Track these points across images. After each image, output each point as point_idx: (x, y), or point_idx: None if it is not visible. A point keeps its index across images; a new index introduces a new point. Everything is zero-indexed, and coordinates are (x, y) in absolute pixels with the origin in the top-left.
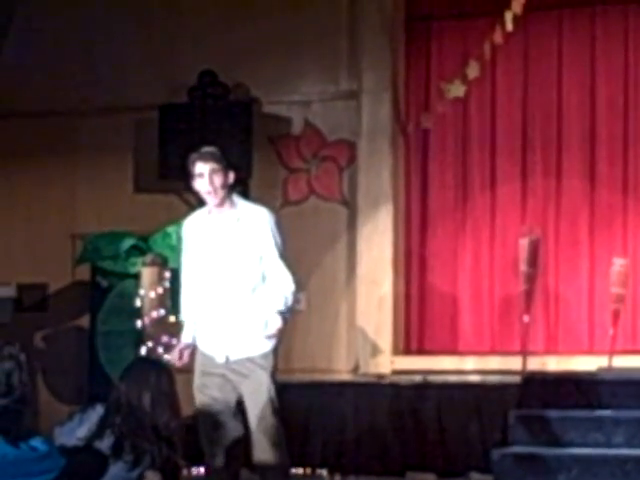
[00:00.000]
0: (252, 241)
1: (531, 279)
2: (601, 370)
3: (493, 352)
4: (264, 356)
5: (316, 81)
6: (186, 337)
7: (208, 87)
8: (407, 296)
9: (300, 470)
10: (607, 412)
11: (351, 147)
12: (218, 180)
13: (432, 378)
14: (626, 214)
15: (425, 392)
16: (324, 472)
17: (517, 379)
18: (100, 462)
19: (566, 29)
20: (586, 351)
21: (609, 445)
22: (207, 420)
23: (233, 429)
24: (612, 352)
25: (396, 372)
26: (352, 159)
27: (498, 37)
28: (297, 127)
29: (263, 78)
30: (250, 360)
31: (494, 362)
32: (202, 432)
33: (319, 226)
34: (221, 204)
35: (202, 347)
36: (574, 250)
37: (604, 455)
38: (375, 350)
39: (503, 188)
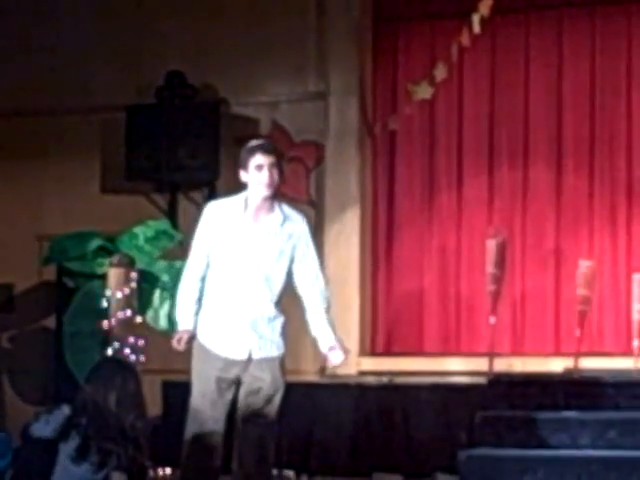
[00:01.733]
0: (290, 245)
1: (498, 280)
2: (567, 371)
3: (459, 353)
4: (282, 357)
5: (284, 82)
6: (187, 324)
7: (176, 88)
8: (374, 297)
9: None
10: (573, 413)
11: (318, 148)
12: (275, 175)
13: (399, 379)
14: (592, 216)
15: (392, 393)
16: (291, 473)
17: (483, 380)
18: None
19: (533, 31)
20: (552, 352)
21: (575, 446)
22: (201, 423)
23: (220, 433)
24: (578, 353)
25: (363, 373)
26: (319, 160)
27: (465, 39)
28: (265, 128)
29: (231, 79)
30: (270, 361)
31: (460, 363)
32: (190, 432)
33: None
34: (271, 201)
35: (214, 345)
36: (540, 252)
37: (570, 456)
38: None
39: (470, 190)
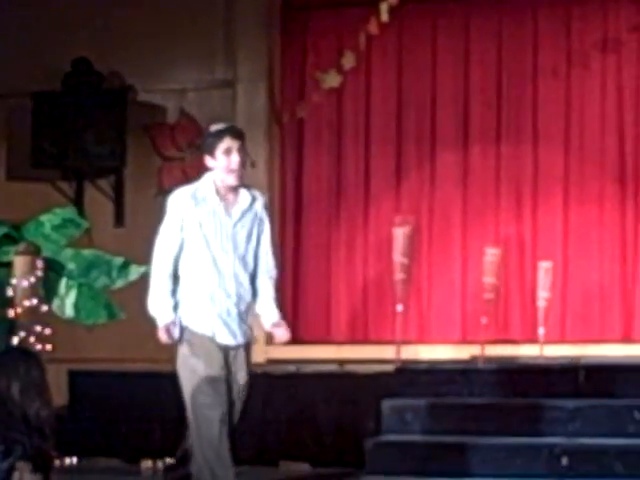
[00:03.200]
0: (256, 223)
1: (405, 269)
2: (474, 359)
3: (367, 341)
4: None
5: (192, 70)
6: (168, 316)
7: (82, 75)
8: (281, 286)
9: (174, 460)
10: (479, 400)
11: None
12: (243, 159)
13: (306, 367)
14: (498, 204)
15: (299, 381)
16: None
17: (391, 368)
18: None
19: (440, 20)
20: (459, 340)
21: (481, 433)
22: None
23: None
24: (484, 341)
25: (270, 361)
26: None
27: (373, 28)
28: (172, 116)
29: (138, 66)
30: (247, 348)
31: (368, 351)
32: (202, 425)
33: None
34: (238, 185)
35: (207, 330)
36: (447, 240)
37: (476, 443)
38: None
39: (377, 178)
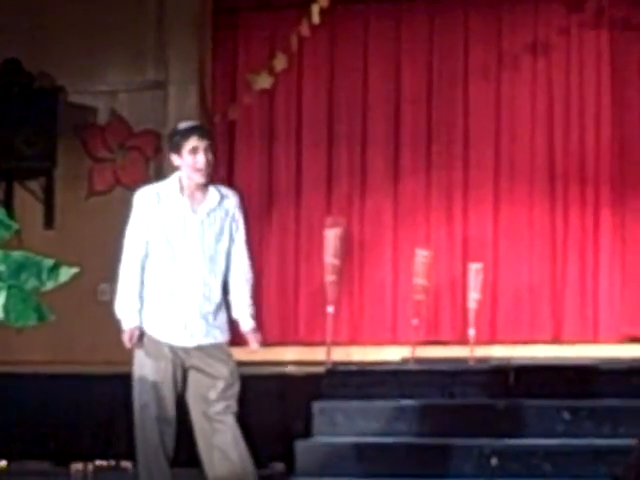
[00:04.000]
0: (227, 222)
1: (336, 270)
2: (404, 360)
3: (298, 343)
4: (227, 344)
5: (123, 71)
6: (134, 320)
7: (12, 75)
8: None
9: (104, 462)
10: (410, 402)
11: (158, 137)
12: (210, 158)
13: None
14: (429, 206)
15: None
16: (129, 464)
17: (322, 370)
18: None
19: (372, 22)
20: (390, 342)
21: (411, 434)
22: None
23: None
24: (415, 343)
25: None
26: (158, 149)
27: (305, 29)
28: (103, 117)
29: (69, 67)
30: (218, 347)
31: (299, 353)
32: (145, 428)
33: (125, 216)
34: (205, 183)
35: (160, 332)
36: (378, 241)
37: (407, 444)
38: None
39: (309, 180)
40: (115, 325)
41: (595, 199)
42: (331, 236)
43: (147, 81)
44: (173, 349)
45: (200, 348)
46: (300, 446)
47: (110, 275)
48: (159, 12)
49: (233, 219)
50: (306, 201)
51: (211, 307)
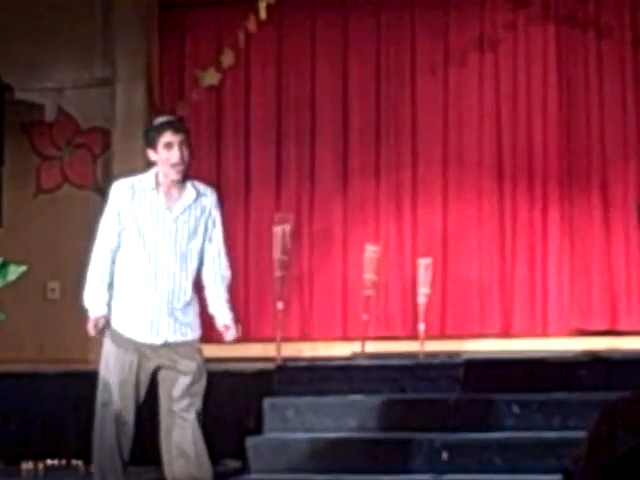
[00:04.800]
0: (202, 220)
1: (285, 266)
2: (355, 356)
3: (248, 339)
4: (198, 341)
5: (70, 68)
6: (101, 309)
7: None
8: None
9: (55, 461)
10: (360, 397)
11: (105, 134)
12: (186, 153)
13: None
14: (378, 201)
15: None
16: (80, 463)
17: (272, 366)
18: None
19: (319, 18)
20: (340, 337)
21: (362, 429)
22: (116, 415)
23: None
24: (365, 338)
25: None
26: (106, 147)
27: (252, 25)
28: (50, 114)
29: (15, 65)
30: (187, 344)
31: (249, 349)
32: (104, 425)
33: (73, 214)
34: (180, 179)
35: (127, 329)
36: (328, 237)
37: (358, 439)
38: None
39: (257, 176)
40: (67, 324)
41: (543, 195)
42: (279, 232)
43: (94, 78)
44: (139, 346)
45: (167, 345)
46: (251, 442)
47: (59, 273)
48: (106, 9)
49: (210, 216)
50: (255, 197)
51: (179, 304)
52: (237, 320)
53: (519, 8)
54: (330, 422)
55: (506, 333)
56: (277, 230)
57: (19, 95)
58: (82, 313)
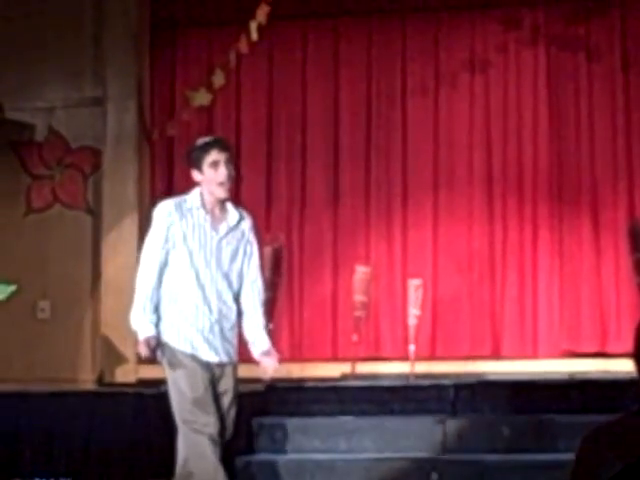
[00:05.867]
0: (243, 243)
1: (275, 286)
2: (344, 377)
3: (238, 360)
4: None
5: (60, 87)
6: (150, 330)
7: None
8: None
9: None
10: (349, 418)
11: (96, 154)
12: (232, 171)
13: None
14: (368, 223)
15: (170, 401)
16: None
17: (261, 387)
18: None
19: (311, 39)
20: (330, 358)
21: (351, 450)
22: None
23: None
24: (355, 359)
25: (141, 381)
26: (97, 166)
27: (243, 46)
28: (41, 134)
29: (5, 84)
30: (232, 366)
31: (239, 370)
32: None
33: (64, 234)
34: (227, 198)
35: (189, 347)
36: (318, 258)
37: (347, 460)
38: (120, 359)
39: (248, 196)
40: (56, 343)
41: (533, 215)
42: (269, 252)
43: (85, 97)
44: (202, 362)
45: (221, 365)
46: (241, 463)
47: (49, 292)
48: (96, 28)
49: (248, 241)
50: None
51: (228, 324)
52: (274, 350)
53: (509, 30)
54: (319, 443)
55: (496, 354)
56: (267, 250)
57: (9, 114)
58: (71, 333)
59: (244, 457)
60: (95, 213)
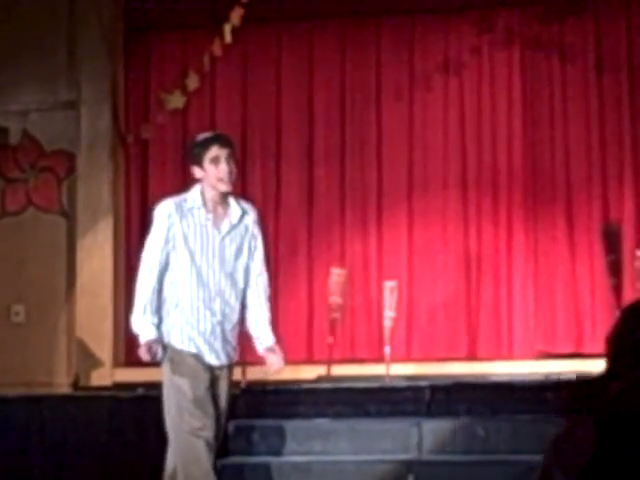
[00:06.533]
0: (246, 238)
1: None
2: (320, 379)
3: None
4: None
5: (34, 91)
6: (151, 332)
7: None
8: (127, 308)
9: None
10: (325, 420)
11: (70, 158)
12: (233, 167)
13: (153, 390)
14: (343, 225)
15: (146, 404)
16: None
17: (237, 389)
18: None
19: (285, 41)
20: (306, 360)
21: (327, 453)
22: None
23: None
24: (330, 361)
25: (117, 384)
26: (71, 170)
27: (217, 49)
28: (15, 137)
29: None
30: (230, 367)
31: None
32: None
33: (38, 237)
34: (227, 195)
35: (186, 347)
36: (293, 260)
37: (323, 463)
38: (95, 362)
39: None
40: (31, 347)
41: (508, 217)
42: None
43: (59, 101)
44: (205, 364)
45: (221, 367)
46: (217, 465)
47: (23, 296)
48: (71, 32)
49: (252, 236)
50: None
51: (230, 325)
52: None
53: (483, 33)
54: (295, 445)
55: (472, 356)
56: None
57: None
58: (46, 337)
59: (219, 460)
60: (70, 216)
